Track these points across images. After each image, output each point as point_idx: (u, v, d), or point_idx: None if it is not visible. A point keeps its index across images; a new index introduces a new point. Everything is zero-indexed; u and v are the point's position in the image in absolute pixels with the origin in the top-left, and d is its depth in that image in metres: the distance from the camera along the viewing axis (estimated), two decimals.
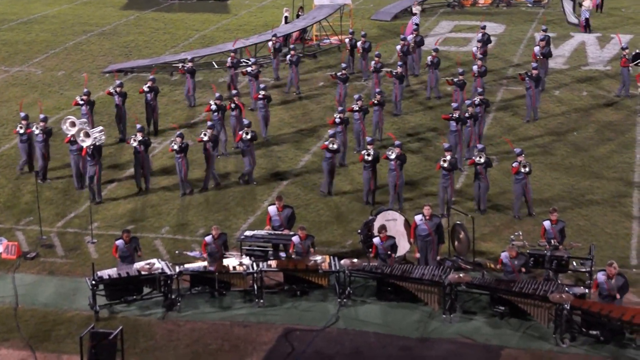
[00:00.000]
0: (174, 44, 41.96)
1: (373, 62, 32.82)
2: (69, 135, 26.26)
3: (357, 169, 26.96)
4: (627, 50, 33.35)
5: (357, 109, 28.25)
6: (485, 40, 36.14)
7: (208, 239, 21.38)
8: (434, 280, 20.09)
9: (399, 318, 20.06)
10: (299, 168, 27.96)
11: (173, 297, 20.64)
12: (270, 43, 36.48)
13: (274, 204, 22.97)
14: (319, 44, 41.44)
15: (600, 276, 19.20)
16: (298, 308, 20.59)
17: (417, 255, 21.65)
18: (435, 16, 46.58)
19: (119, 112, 30.15)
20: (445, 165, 24.24)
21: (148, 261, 20.88)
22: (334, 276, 20.93)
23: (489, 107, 29.85)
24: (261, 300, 20.67)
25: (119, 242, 21.21)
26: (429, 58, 33.52)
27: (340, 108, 28.41)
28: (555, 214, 21.56)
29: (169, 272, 20.66)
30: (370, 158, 25.07)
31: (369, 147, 25.37)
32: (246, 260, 21.02)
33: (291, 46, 35.78)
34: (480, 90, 29.77)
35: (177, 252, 22.52)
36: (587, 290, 19.97)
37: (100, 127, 27.17)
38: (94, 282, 20.20)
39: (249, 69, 32.93)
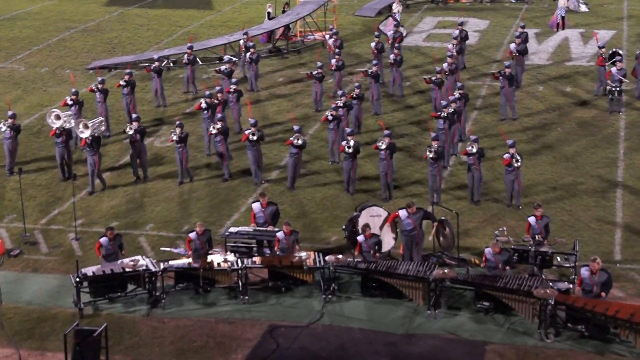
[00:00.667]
0: (157, 40, 41.84)
1: (334, 60, 32.68)
2: (54, 128, 26.66)
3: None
4: (603, 49, 33.30)
5: (342, 105, 28.26)
6: (463, 37, 36.07)
7: (192, 235, 21.32)
8: (419, 276, 20.09)
9: (384, 314, 20.06)
10: (282, 164, 27.91)
11: (157, 294, 20.59)
12: (241, 41, 36.24)
13: (258, 201, 22.96)
14: (302, 40, 41.42)
15: (584, 272, 19.19)
16: (283, 304, 20.58)
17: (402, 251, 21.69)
18: (419, 12, 46.59)
19: (100, 109, 30.03)
20: (431, 155, 24.38)
21: (132, 258, 20.84)
22: (318, 272, 20.93)
23: (468, 101, 29.83)
24: (246, 297, 20.65)
25: (103, 239, 21.13)
26: (391, 56, 33.31)
27: (317, 107, 28.38)
28: (540, 210, 21.60)
29: (153, 269, 20.60)
30: (350, 150, 25.26)
31: (349, 138, 25.51)
32: (231, 257, 21.00)
33: (250, 44, 35.14)
34: (460, 84, 29.77)
35: (161, 249, 22.50)
36: (571, 286, 20.04)
37: (101, 118, 27.41)
38: (78, 279, 20.13)
39: (222, 67, 32.88)
